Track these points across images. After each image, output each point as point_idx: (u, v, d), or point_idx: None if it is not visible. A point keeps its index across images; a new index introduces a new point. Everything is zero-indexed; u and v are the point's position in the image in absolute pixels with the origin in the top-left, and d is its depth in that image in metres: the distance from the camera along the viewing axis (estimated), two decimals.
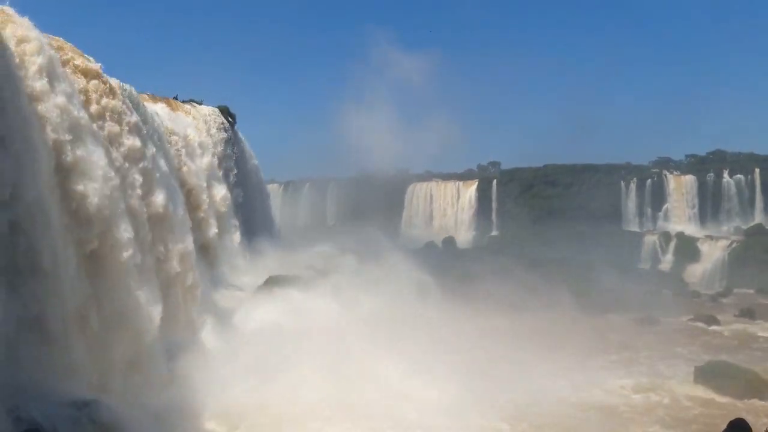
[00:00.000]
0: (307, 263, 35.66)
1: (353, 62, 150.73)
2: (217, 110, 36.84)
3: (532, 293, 33.70)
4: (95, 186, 14.94)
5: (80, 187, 14.66)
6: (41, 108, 14.18)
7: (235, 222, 33.64)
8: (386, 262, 34.82)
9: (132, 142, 18.99)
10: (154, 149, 21.15)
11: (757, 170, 56.53)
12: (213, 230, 29.46)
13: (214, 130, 35.10)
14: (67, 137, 14.59)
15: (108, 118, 18.38)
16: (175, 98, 33.99)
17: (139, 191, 18.54)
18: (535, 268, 39.57)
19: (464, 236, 62.66)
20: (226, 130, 36.47)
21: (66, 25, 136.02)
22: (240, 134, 40.28)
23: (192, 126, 31.99)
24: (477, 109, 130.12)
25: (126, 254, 15.71)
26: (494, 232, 62.64)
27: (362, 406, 17.31)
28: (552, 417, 18.36)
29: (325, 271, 32.55)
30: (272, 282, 29.02)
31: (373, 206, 64.25)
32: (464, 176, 71.67)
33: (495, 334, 26.14)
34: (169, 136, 28.32)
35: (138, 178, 18.75)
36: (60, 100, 14.79)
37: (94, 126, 16.77)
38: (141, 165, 19.15)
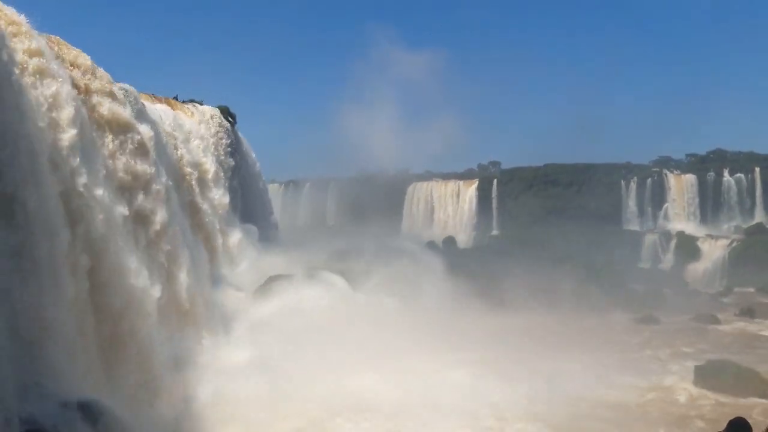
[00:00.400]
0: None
1: (353, 62, 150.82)
2: (226, 124, 36.02)
3: (532, 293, 33.75)
4: (129, 300, 13.52)
5: (115, 303, 13.20)
6: (74, 205, 12.34)
7: (249, 255, 32.87)
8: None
9: (161, 217, 17.26)
10: (182, 218, 19.61)
11: (758, 169, 56.53)
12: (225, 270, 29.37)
13: (223, 156, 34.18)
14: (99, 244, 12.77)
15: (137, 188, 16.56)
16: (175, 98, 33.93)
17: (165, 274, 17.06)
18: (536, 268, 39.57)
19: (465, 236, 62.61)
20: (233, 154, 35.67)
21: (66, 25, 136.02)
22: (240, 135, 40.20)
23: (208, 153, 31.34)
24: (477, 108, 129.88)
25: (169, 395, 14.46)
26: (495, 232, 62.60)
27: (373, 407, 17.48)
28: (559, 416, 18.36)
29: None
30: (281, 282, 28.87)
31: (373, 206, 64.24)
32: (464, 176, 71.61)
33: (496, 333, 26.18)
34: (182, 168, 27.65)
35: (163, 262, 17.25)
36: (85, 181, 12.81)
37: (125, 210, 15.06)
38: (167, 248, 17.43)
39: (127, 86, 22.20)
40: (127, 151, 16.52)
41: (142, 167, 17.02)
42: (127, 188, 16.39)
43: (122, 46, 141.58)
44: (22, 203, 10.26)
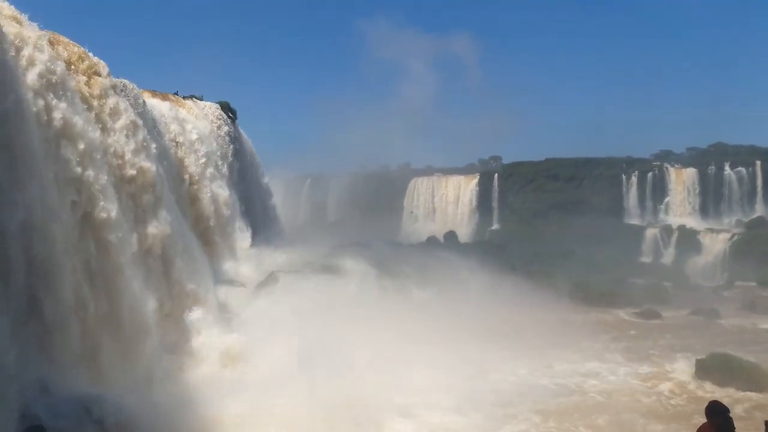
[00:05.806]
0: None
1: (355, 57, 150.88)
2: (227, 120, 35.73)
3: (535, 287, 33.79)
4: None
5: None
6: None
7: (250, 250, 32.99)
8: None
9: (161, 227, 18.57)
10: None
11: (758, 163, 56.42)
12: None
13: (223, 152, 34.04)
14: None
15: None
16: (176, 94, 33.88)
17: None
18: (537, 262, 39.69)
19: (465, 230, 62.67)
20: (234, 150, 35.28)
21: (63, 23, 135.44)
22: (241, 130, 40.08)
23: (209, 148, 31.55)
24: (479, 103, 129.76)
25: None
26: (495, 226, 62.69)
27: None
28: (552, 407, 18.47)
29: None
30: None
31: (374, 201, 64.44)
32: (466, 171, 71.62)
33: (496, 329, 26.19)
34: (182, 163, 28.15)
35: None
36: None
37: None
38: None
39: (127, 82, 22.21)
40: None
41: (146, 178, 17.98)
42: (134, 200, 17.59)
43: (123, 42, 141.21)
44: None
